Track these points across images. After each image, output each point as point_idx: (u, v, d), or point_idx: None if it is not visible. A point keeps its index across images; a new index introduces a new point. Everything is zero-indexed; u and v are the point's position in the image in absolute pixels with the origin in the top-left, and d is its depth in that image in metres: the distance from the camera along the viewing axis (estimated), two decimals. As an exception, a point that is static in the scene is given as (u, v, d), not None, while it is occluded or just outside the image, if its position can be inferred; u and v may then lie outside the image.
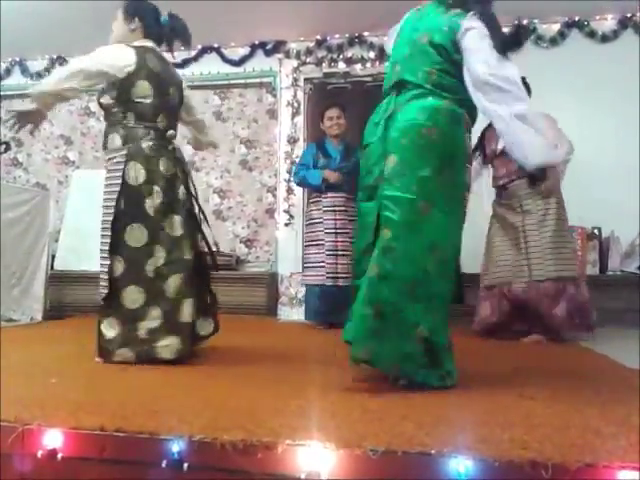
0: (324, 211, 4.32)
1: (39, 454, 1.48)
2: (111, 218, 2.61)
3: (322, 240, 4.28)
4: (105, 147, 2.74)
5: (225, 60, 5.74)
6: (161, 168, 2.66)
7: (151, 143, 2.66)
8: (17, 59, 6.14)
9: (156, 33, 2.81)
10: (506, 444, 1.40)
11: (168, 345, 2.56)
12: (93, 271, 5.23)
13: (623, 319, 4.39)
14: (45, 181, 6.18)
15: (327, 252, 4.26)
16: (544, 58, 5.11)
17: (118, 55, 2.65)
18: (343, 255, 4.22)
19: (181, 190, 2.74)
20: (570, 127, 4.98)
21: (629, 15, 5.01)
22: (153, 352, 2.56)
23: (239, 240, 5.79)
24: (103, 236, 2.67)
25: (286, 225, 5.52)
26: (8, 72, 6.18)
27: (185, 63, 5.57)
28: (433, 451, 1.35)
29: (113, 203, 2.62)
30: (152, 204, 2.62)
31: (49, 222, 4.80)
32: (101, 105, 2.73)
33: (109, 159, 2.71)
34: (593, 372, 2.57)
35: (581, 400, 1.92)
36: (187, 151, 3.57)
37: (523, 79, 4.03)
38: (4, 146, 4.32)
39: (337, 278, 4.21)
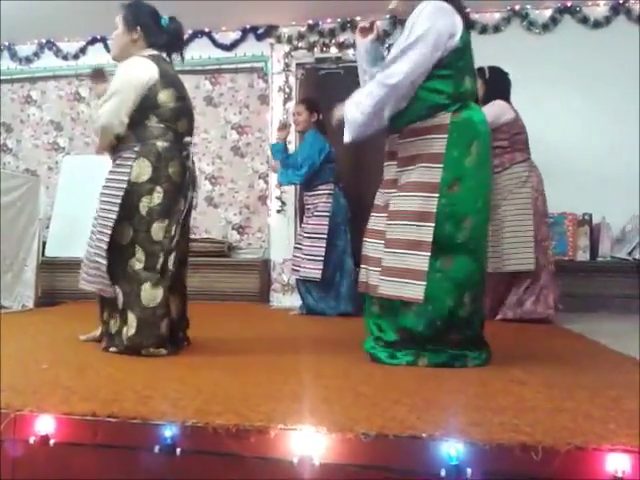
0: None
1: (31, 440, 1.48)
2: (113, 216, 2.51)
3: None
4: (117, 148, 2.64)
5: (216, 45, 5.69)
6: (170, 170, 2.59)
7: (167, 144, 2.59)
8: (6, 43, 6.05)
9: (158, 40, 2.75)
10: (497, 427, 1.42)
11: (151, 352, 2.48)
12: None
13: (614, 304, 4.43)
14: (35, 167, 6.12)
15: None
16: (536, 44, 5.11)
17: (141, 73, 2.59)
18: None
19: (183, 198, 2.66)
20: (561, 113, 5.02)
21: (621, 1, 4.99)
22: (139, 353, 2.49)
23: (231, 227, 5.78)
24: (101, 232, 2.56)
25: (278, 212, 5.51)
26: (-4, 57, 6.11)
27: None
28: (424, 435, 1.36)
29: (118, 200, 2.52)
30: (148, 204, 2.54)
31: (39, 208, 4.76)
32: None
33: (117, 153, 2.63)
34: (584, 357, 2.59)
35: (572, 384, 1.94)
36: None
37: (500, 70, 4.05)
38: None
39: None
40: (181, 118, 2.68)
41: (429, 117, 2.30)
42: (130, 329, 2.49)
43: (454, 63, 2.29)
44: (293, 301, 4.85)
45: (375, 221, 2.47)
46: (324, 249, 4.20)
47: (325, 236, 4.23)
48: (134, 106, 2.57)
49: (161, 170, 2.56)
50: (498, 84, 3.99)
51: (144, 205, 2.54)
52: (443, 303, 2.23)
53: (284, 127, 4.62)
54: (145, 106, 2.59)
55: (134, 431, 1.47)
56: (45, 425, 1.49)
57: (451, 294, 2.24)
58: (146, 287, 2.52)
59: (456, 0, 2.35)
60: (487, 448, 1.31)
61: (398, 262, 2.28)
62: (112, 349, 2.57)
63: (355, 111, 2.36)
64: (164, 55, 2.77)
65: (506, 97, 4.02)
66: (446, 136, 2.26)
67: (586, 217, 4.79)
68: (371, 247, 2.44)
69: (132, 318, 2.50)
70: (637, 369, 2.19)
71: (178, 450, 1.41)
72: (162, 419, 1.47)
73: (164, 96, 2.60)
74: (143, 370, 2.16)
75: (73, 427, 1.50)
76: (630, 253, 4.65)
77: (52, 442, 1.47)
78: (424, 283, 2.21)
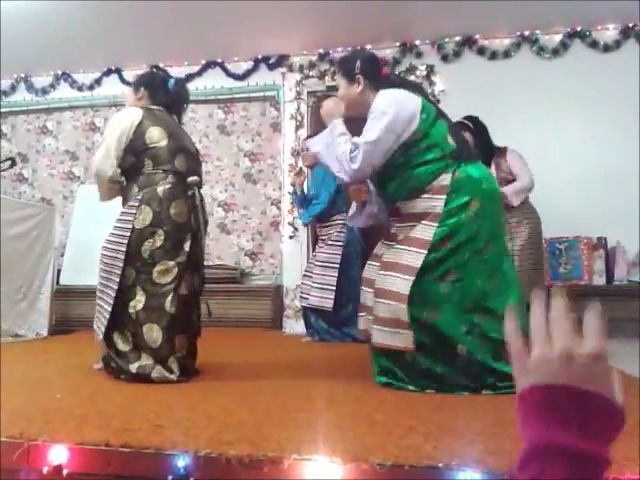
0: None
1: (45, 470, 1.47)
2: (119, 264, 2.55)
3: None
4: (124, 203, 2.70)
5: (229, 74, 5.78)
6: (171, 212, 2.59)
7: (168, 187, 2.61)
8: (22, 75, 6.19)
9: (162, 99, 2.83)
10: (514, 456, 1.39)
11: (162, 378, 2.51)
12: (98, 285, 5.31)
13: (631, 328, 4.36)
14: (50, 196, 6.20)
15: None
16: (546, 69, 5.13)
17: (124, 114, 2.71)
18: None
19: (188, 238, 2.65)
20: (574, 137, 5.02)
21: (631, 25, 5.01)
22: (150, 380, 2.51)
23: (244, 253, 5.79)
24: (107, 279, 2.60)
25: (291, 238, 5.52)
26: (13, 88, 6.24)
27: (189, 78, 5.61)
28: (441, 464, 1.34)
29: (122, 248, 2.55)
30: (149, 247, 2.56)
31: (55, 237, 4.81)
32: (121, 164, 2.70)
33: (124, 205, 2.68)
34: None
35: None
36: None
37: (477, 118, 4.04)
38: (10, 162, 4.34)
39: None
40: (177, 156, 2.69)
41: (433, 181, 2.36)
42: (142, 368, 2.53)
43: (425, 138, 2.36)
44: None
45: (369, 269, 2.55)
46: (336, 278, 4.19)
47: (337, 265, 4.22)
48: (123, 148, 2.64)
49: (162, 213, 2.59)
50: (483, 131, 4.00)
51: (146, 249, 2.57)
52: (433, 350, 2.26)
53: (300, 173, 4.65)
54: (137, 150, 2.64)
55: (147, 461, 1.46)
56: (58, 455, 1.48)
57: (439, 345, 2.26)
58: (145, 329, 2.54)
59: (408, 83, 2.51)
60: (505, 477, 1.29)
61: (386, 312, 2.31)
62: (122, 376, 2.58)
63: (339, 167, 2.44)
64: (161, 109, 2.82)
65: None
66: (445, 196, 2.32)
67: (601, 241, 4.75)
68: (368, 295, 2.48)
69: (146, 357, 2.53)
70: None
71: (191, 480, 1.40)
72: (175, 449, 1.46)
73: (153, 135, 2.65)
74: (155, 398, 2.15)
75: (86, 457, 1.49)
76: (646, 276, 4.60)
77: (65, 472, 1.46)
78: (410, 332, 2.24)
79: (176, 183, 2.65)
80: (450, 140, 2.41)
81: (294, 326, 5.26)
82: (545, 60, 5.18)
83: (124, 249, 2.56)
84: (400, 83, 2.51)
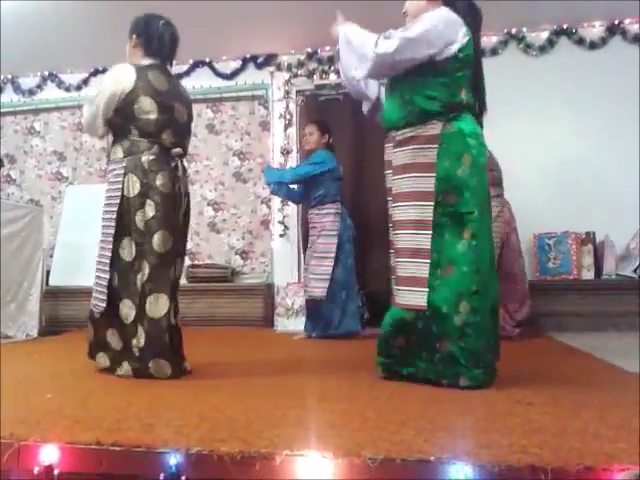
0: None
1: (35, 470, 1.46)
2: (111, 231, 2.62)
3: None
4: (109, 159, 2.75)
5: (217, 74, 5.77)
6: (157, 183, 2.63)
7: (151, 157, 2.64)
8: (9, 76, 6.14)
9: (155, 46, 2.78)
10: (505, 449, 1.40)
11: (158, 367, 2.54)
12: (88, 286, 5.24)
13: (620, 322, 4.40)
14: (39, 197, 6.15)
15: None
16: (533, 66, 5.15)
17: (117, 76, 2.68)
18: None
19: (177, 208, 2.71)
20: (561, 133, 5.05)
21: (617, 22, 5.05)
22: (147, 371, 2.54)
23: (234, 252, 5.78)
24: (102, 248, 2.67)
25: (281, 236, 5.52)
26: (0, 89, 6.19)
27: (177, 78, 5.58)
28: (432, 458, 1.35)
29: (113, 216, 2.62)
30: (143, 218, 2.60)
31: (43, 238, 4.78)
32: (109, 121, 2.72)
33: (110, 171, 2.72)
34: (591, 376, 2.57)
35: (579, 404, 1.92)
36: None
37: None
38: (-3, 163, 4.31)
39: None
40: (165, 130, 2.70)
41: (421, 124, 2.35)
42: (139, 341, 2.55)
43: (451, 72, 2.33)
44: (297, 325, 4.82)
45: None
46: (331, 268, 4.23)
47: (333, 255, 4.26)
48: (112, 110, 2.66)
49: (149, 184, 2.62)
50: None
51: (140, 219, 2.61)
52: (439, 310, 2.25)
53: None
54: (125, 116, 2.66)
55: (138, 460, 1.46)
56: (49, 455, 1.48)
57: (447, 302, 2.25)
58: (151, 299, 2.57)
59: (468, 16, 2.39)
60: (496, 470, 1.30)
61: (404, 271, 2.34)
62: (119, 372, 2.60)
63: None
64: (165, 66, 2.81)
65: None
66: (437, 146, 2.30)
67: (589, 235, 4.78)
68: (392, 258, 2.50)
69: (141, 331, 2.55)
70: (645, 387, 2.17)
71: (183, 478, 1.40)
72: (166, 447, 1.46)
73: (142, 105, 2.64)
74: (146, 397, 2.15)
75: (77, 456, 1.49)
76: (635, 270, 4.63)
77: (56, 472, 1.46)
78: (426, 290, 2.25)
79: (160, 154, 2.67)
80: (467, 91, 2.38)
81: (285, 324, 5.24)
82: (532, 57, 5.20)
83: (115, 216, 2.61)
84: (465, 7, 2.41)
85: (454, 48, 2.30)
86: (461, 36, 2.31)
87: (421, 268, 2.28)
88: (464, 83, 2.37)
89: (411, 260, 2.32)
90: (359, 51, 2.37)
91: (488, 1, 2.46)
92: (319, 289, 4.23)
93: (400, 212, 2.40)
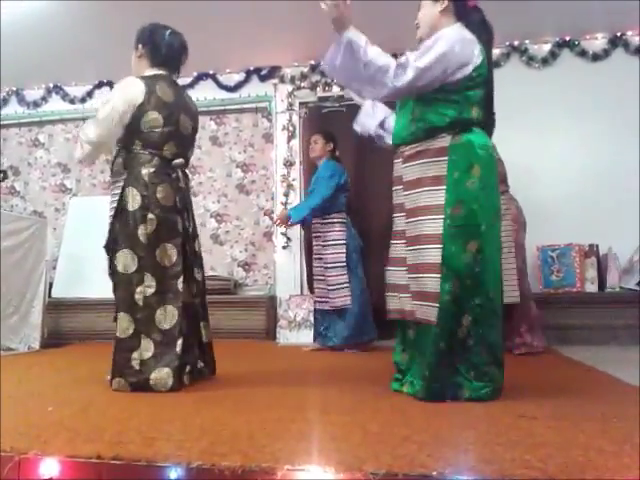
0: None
1: (36, 484, 1.46)
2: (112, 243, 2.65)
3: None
4: (112, 171, 2.75)
5: (220, 86, 5.80)
6: (158, 195, 2.63)
7: (152, 170, 2.64)
8: (14, 89, 6.19)
9: (161, 55, 2.79)
10: (508, 464, 1.39)
11: (160, 378, 2.53)
12: (91, 298, 5.27)
13: (623, 335, 4.38)
14: (42, 209, 6.18)
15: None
16: (536, 78, 5.17)
17: (128, 93, 2.66)
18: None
19: (179, 220, 2.71)
20: (564, 145, 5.06)
21: (619, 34, 5.07)
22: (147, 384, 2.53)
23: (237, 264, 5.78)
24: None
25: (284, 248, 5.52)
26: (5, 102, 6.23)
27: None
28: (435, 473, 1.33)
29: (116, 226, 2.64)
30: (145, 231, 2.60)
31: (46, 250, 4.79)
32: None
33: (113, 182, 2.73)
34: (594, 389, 2.55)
35: (582, 418, 1.91)
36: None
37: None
38: (1, 175, 4.33)
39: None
40: (168, 142, 2.71)
41: (429, 139, 2.34)
42: (142, 354, 2.54)
43: (463, 90, 2.32)
44: (300, 338, 4.81)
45: (395, 248, 2.51)
46: (347, 276, 4.27)
47: (345, 264, 4.29)
48: (121, 132, 2.66)
49: (150, 197, 2.62)
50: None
51: (141, 232, 2.60)
52: (447, 324, 2.24)
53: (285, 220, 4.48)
54: (131, 130, 2.66)
55: (139, 473, 1.45)
56: (50, 468, 1.47)
57: (451, 315, 2.24)
58: (160, 311, 2.58)
59: (483, 33, 2.39)
60: (498, 485, 1.29)
61: (418, 286, 2.33)
62: (114, 386, 2.58)
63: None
64: (171, 76, 2.82)
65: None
66: (446, 159, 2.29)
67: (593, 248, 4.77)
68: (399, 274, 2.46)
69: (145, 343, 2.55)
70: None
71: (184, 492, 1.39)
72: (167, 461, 1.45)
73: (150, 120, 2.65)
74: (147, 410, 2.14)
75: (78, 470, 1.48)
76: (639, 283, 4.61)
77: (56, 485, 1.45)
78: (437, 305, 2.23)
79: (160, 166, 2.68)
80: (478, 109, 2.37)
81: (288, 336, 5.23)
82: (534, 69, 5.23)
83: (110, 228, 2.64)
84: (478, 23, 2.42)
85: (469, 69, 2.29)
86: (476, 55, 2.31)
87: (432, 283, 2.26)
88: (476, 102, 2.37)
89: (424, 275, 2.30)
90: (372, 74, 2.32)
91: (491, 14, 2.46)
92: (341, 298, 4.25)
93: (413, 227, 2.37)
